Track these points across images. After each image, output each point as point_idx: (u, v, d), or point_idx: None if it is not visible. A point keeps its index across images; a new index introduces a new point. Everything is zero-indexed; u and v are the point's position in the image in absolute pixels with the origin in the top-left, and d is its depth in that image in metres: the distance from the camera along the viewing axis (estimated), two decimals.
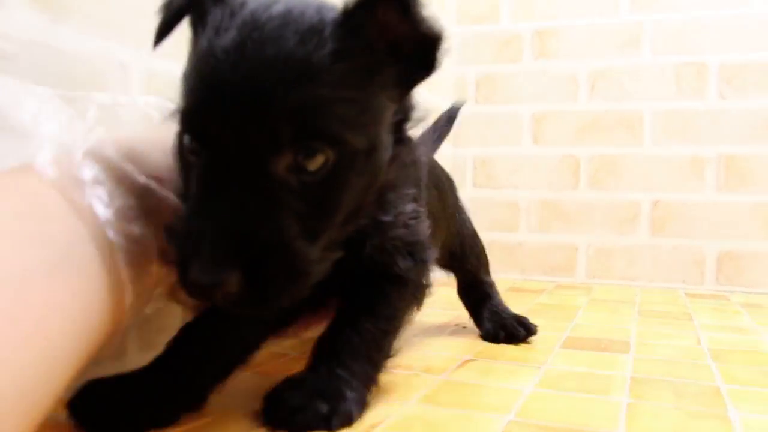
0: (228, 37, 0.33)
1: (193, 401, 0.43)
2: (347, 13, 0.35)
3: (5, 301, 0.26)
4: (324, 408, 0.41)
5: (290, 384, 0.42)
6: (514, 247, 1.51)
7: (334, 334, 0.46)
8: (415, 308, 0.51)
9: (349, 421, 0.42)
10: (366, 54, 0.36)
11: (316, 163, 0.34)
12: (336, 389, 0.42)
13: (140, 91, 0.60)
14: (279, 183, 0.34)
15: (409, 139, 0.44)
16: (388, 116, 0.39)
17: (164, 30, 0.37)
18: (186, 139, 0.35)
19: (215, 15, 0.34)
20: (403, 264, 0.47)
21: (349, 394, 0.43)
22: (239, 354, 0.47)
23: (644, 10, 1.45)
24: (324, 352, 0.45)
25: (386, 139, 0.39)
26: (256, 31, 0.33)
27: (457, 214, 0.76)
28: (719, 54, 1.39)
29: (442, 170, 0.76)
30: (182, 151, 0.36)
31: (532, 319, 0.79)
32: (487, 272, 0.82)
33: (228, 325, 0.45)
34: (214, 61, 0.33)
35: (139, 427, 0.40)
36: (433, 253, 0.51)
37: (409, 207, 0.48)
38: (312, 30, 0.34)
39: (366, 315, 0.46)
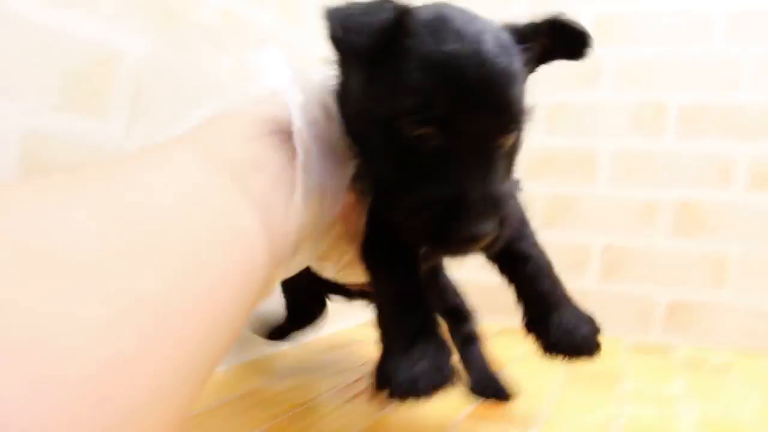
0: (457, 47, 0.42)
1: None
2: (521, 34, 0.47)
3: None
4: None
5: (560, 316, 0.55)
6: None
7: (537, 287, 0.57)
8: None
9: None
10: (528, 63, 0.47)
11: (509, 140, 0.45)
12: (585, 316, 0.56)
13: None
14: (495, 152, 0.44)
15: None
16: None
17: (367, 49, 0.43)
18: (413, 128, 0.42)
19: (420, 31, 0.43)
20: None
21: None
22: None
23: (606, 44, 1.41)
24: (548, 300, 0.56)
25: None
26: (481, 43, 0.42)
27: None
28: (679, 93, 1.36)
29: None
30: (395, 141, 0.43)
31: None
32: None
33: None
34: (453, 65, 0.41)
35: None
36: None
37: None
38: (511, 47, 0.45)
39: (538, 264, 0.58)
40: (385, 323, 0.49)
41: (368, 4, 0.44)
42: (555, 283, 0.58)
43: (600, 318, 1.30)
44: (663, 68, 1.38)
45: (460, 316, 0.83)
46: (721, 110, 1.34)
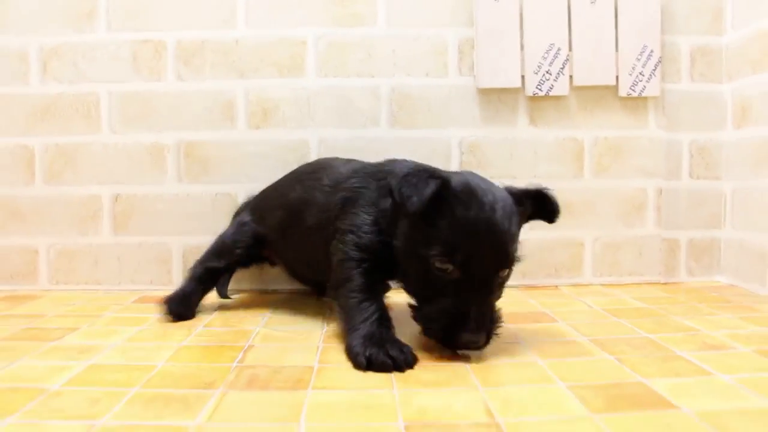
0: (476, 214, 0.79)
1: None
2: (519, 201, 0.87)
3: None
4: None
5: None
6: None
7: None
8: None
9: None
10: (521, 219, 0.87)
11: (505, 273, 0.84)
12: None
13: None
14: (495, 285, 0.83)
15: None
16: None
17: (420, 209, 0.78)
18: (441, 264, 0.80)
19: (456, 198, 0.81)
20: None
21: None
22: None
23: None
24: None
25: None
26: (490, 212, 0.79)
27: None
28: (176, 31, 1.42)
29: None
30: (429, 271, 0.81)
31: None
32: None
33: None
34: (472, 228, 0.79)
35: None
36: None
37: None
38: (513, 213, 0.83)
39: None
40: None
41: (419, 175, 0.78)
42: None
43: (120, 273, 1.32)
44: (159, 5, 1.44)
45: None
46: (216, 46, 1.43)
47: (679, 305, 1.19)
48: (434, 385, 0.74)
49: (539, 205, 0.88)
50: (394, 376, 0.77)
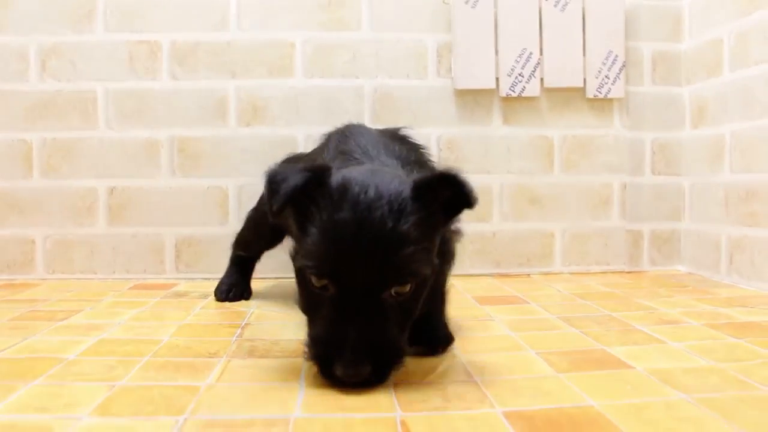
0: (346, 215, 0.60)
1: None
2: (418, 188, 0.64)
3: None
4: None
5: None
6: None
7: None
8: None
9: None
10: (430, 217, 0.64)
11: (405, 289, 0.63)
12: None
13: None
14: (387, 304, 0.63)
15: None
16: (436, 243, 0.68)
17: (279, 210, 0.63)
18: (315, 280, 0.63)
19: (326, 197, 0.62)
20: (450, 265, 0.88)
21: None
22: None
23: None
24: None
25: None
26: (367, 211, 0.60)
27: None
28: (171, 33, 1.50)
29: None
30: (308, 283, 0.65)
31: None
32: None
33: None
34: (342, 233, 0.60)
35: None
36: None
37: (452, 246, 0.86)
38: (401, 209, 0.61)
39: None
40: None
41: (286, 169, 0.63)
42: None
43: (115, 262, 1.39)
44: (155, 8, 1.51)
45: None
46: (209, 47, 1.51)
47: (640, 290, 1.29)
48: (415, 353, 0.81)
49: (452, 191, 0.66)
50: None
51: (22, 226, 1.46)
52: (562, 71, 1.45)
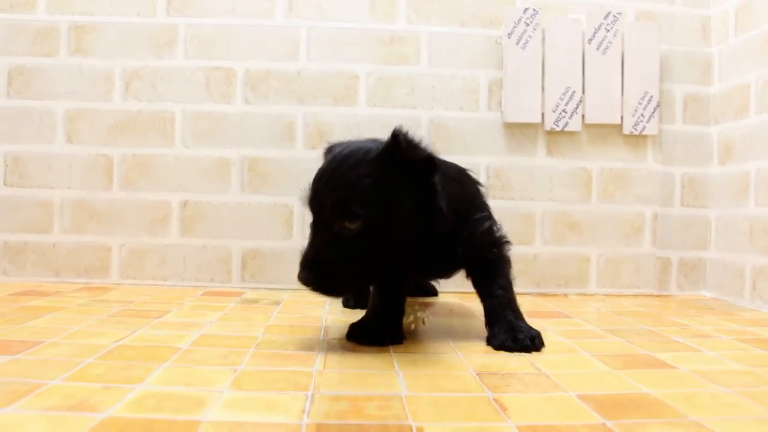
0: (321, 167, 0.88)
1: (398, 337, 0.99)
2: (378, 155, 0.85)
3: None
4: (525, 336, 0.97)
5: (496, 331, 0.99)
6: (49, 247, 1.63)
7: (492, 300, 1.02)
8: (511, 271, 1.05)
9: (538, 339, 0.99)
10: (390, 172, 0.86)
11: (353, 226, 0.83)
12: (517, 327, 0.98)
13: None
14: (335, 235, 0.84)
15: (452, 189, 0.99)
16: (409, 203, 0.89)
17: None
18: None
19: (323, 158, 0.92)
20: (491, 254, 1.03)
21: (523, 325, 0.98)
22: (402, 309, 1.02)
23: (179, 14, 1.66)
24: (496, 312, 1.00)
25: (408, 214, 0.90)
26: (331, 164, 0.86)
27: None
28: (245, 61, 1.69)
29: None
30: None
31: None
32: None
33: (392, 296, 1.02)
34: (315, 177, 0.88)
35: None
36: (508, 243, 1.09)
37: (486, 224, 1.04)
38: (358, 162, 0.84)
39: (500, 286, 1.02)
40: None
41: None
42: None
43: (184, 270, 1.57)
44: (231, 38, 1.70)
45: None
46: (279, 76, 1.69)
47: (671, 310, 1.43)
48: (486, 353, 0.96)
49: (403, 148, 0.85)
50: (455, 346, 1.01)
51: (100, 234, 1.62)
52: (602, 109, 1.62)
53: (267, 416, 0.64)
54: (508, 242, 1.04)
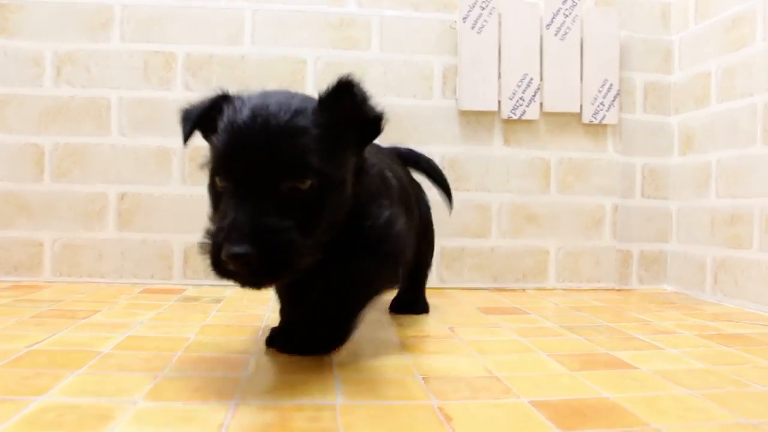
0: (244, 115, 0.64)
1: None
2: (321, 100, 0.70)
3: None
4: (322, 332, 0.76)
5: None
6: None
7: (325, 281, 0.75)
8: (390, 275, 0.82)
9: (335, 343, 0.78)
10: (334, 125, 0.68)
11: (306, 185, 0.64)
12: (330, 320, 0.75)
13: None
14: (283, 198, 0.63)
15: (367, 175, 0.78)
16: (351, 163, 0.72)
17: (188, 135, 0.75)
18: (218, 178, 0.65)
19: (231, 106, 0.67)
20: (384, 249, 0.78)
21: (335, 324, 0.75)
22: None
23: None
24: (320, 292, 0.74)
25: (350, 178, 0.71)
26: (263, 110, 0.64)
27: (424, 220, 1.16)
28: (186, 45, 1.58)
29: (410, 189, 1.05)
30: (214, 187, 0.67)
31: None
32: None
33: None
34: (237, 129, 0.64)
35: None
36: (405, 242, 0.83)
37: (385, 213, 0.79)
38: (299, 109, 0.66)
39: (360, 271, 0.78)
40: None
41: (202, 99, 0.73)
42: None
43: (123, 266, 1.45)
44: (171, 20, 1.58)
45: None
46: (222, 60, 1.59)
47: (631, 305, 1.38)
48: (437, 353, 0.90)
49: (352, 101, 0.71)
50: (402, 345, 0.94)
51: (30, 229, 1.52)
52: (561, 97, 1.55)
53: None
54: (404, 238, 0.83)
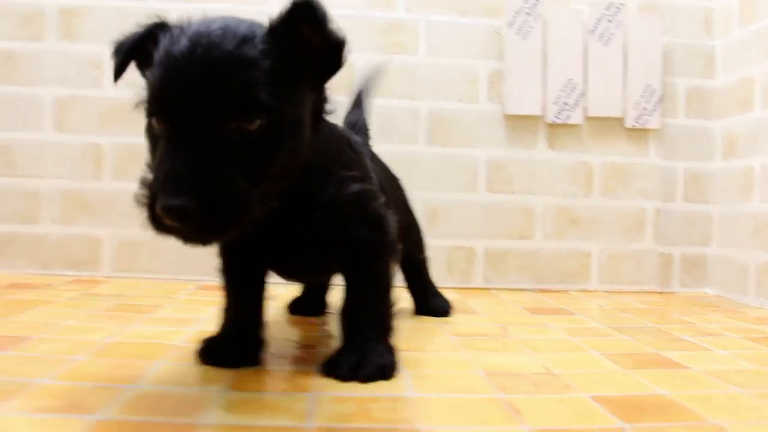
0: (182, 45, 0.53)
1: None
2: (272, 26, 0.58)
3: None
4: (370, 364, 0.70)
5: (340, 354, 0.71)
6: (37, 239, 1.60)
7: (350, 310, 0.75)
8: (392, 266, 0.76)
9: (388, 369, 0.72)
10: (288, 55, 0.57)
11: (254, 125, 0.54)
12: (369, 350, 0.71)
13: None
14: (228, 141, 0.53)
15: (326, 122, 0.70)
16: (308, 102, 0.61)
17: (120, 69, 0.63)
18: (154, 120, 0.55)
19: (167, 35, 0.56)
20: (360, 233, 0.71)
21: (379, 349, 0.72)
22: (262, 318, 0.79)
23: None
24: (348, 327, 0.74)
25: (307, 119, 0.61)
26: (203, 38, 0.54)
27: (402, 201, 1.07)
28: None
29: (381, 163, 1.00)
30: (151, 130, 0.57)
31: None
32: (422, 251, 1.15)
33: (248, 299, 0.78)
34: (174, 61, 0.53)
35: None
36: (392, 221, 0.76)
37: (355, 186, 0.70)
38: (246, 37, 0.55)
39: (364, 287, 0.75)
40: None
41: (136, 29, 0.62)
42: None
43: (176, 262, 1.52)
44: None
45: None
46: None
47: (674, 308, 1.42)
48: (494, 350, 0.95)
49: (313, 29, 0.60)
50: (460, 343, 0.99)
51: (90, 226, 1.61)
52: (604, 101, 1.60)
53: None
54: (385, 218, 0.74)
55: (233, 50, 0.54)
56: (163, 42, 0.56)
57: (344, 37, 0.60)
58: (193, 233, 0.53)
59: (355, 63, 1.51)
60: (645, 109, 1.59)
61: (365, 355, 0.69)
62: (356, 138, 0.87)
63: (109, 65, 1.46)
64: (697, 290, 1.70)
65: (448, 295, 1.25)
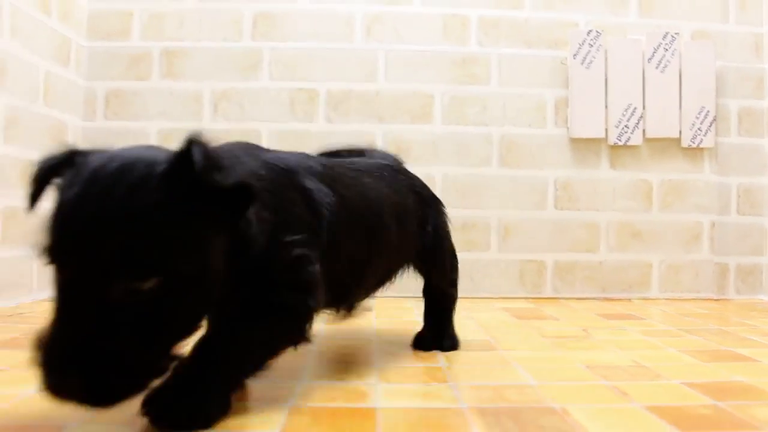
0: (73, 192, 0.48)
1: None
2: (166, 173, 0.50)
3: None
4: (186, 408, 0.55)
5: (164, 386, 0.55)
6: None
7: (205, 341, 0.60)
8: (293, 338, 0.66)
9: (207, 420, 0.56)
10: (185, 202, 0.50)
11: (147, 284, 0.48)
12: (199, 391, 0.56)
13: None
14: (117, 304, 0.47)
15: (254, 252, 0.59)
16: (218, 244, 0.54)
17: (34, 199, 0.55)
18: (53, 271, 0.49)
19: (67, 176, 0.51)
20: (280, 298, 0.62)
21: (211, 396, 0.56)
22: None
23: (264, 38, 1.80)
24: (193, 358, 0.58)
25: (217, 261, 0.54)
26: (94, 186, 0.48)
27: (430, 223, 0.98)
28: (327, 82, 1.81)
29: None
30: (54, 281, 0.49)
31: None
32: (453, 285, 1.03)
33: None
34: (63, 211, 0.49)
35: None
36: (315, 296, 0.65)
37: (297, 251, 0.63)
38: (139, 183, 0.48)
39: (251, 328, 0.61)
40: None
41: (51, 155, 0.54)
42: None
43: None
44: (313, 61, 1.83)
45: None
46: (358, 95, 1.83)
47: (733, 312, 1.54)
48: (584, 349, 1.09)
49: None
50: (552, 343, 1.14)
51: None
52: (661, 123, 1.77)
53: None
54: (313, 285, 0.66)
55: (123, 201, 0.48)
56: (63, 182, 0.52)
57: (239, 181, 0.52)
58: (85, 403, 0.48)
59: (434, 94, 1.68)
60: (700, 129, 1.76)
61: (186, 397, 0.56)
62: (316, 186, 0.72)
63: (209, 100, 1.74)
64: (753, 297, 1.83)
65: (520, 304, 1.39)
